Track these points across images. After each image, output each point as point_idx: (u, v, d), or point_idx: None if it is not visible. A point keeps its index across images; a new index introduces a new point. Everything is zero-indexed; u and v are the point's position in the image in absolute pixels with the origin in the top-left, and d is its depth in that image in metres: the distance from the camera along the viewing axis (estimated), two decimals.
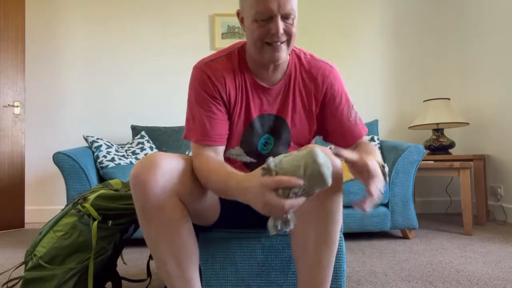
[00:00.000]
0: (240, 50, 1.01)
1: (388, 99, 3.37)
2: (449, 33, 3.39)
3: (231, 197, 0.79)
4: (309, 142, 1.08)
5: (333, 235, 0.88)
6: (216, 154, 0.95)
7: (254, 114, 1.00)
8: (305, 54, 1.05)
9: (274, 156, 1.02)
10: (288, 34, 0.90)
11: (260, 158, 1.04)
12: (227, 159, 1.04)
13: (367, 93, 3.36)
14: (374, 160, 0.82)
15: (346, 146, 1.04)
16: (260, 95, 1.00)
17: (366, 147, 1.00)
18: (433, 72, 3.38)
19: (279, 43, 0.90)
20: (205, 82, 0.96)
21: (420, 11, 3.40)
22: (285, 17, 0.87)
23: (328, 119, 1.04)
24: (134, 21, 3.29)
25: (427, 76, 3.38)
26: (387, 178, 0.88)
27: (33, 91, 3.21)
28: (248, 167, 1.04)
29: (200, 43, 3.32)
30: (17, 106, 2.95)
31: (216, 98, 0.96)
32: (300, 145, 1.06)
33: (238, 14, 0.96)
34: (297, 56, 1.04)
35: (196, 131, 0.95)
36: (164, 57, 3.29)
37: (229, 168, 0.85)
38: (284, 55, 0.92)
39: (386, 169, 0.86)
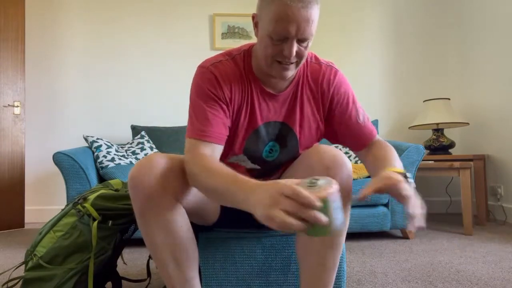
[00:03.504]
0: (246, 54, 0.97)
1: (388, 99, 3.37)
2: (449, 33, 3.39)
3: (230, 201, 0.74)
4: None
5: (338, 238, 0.87)
6: (213, 152, 0.88)
7: (260, 121, 0.97)
8: (310, 57, 1.02)
9: (279, 163, 1.02)
10: (299, 56, 0.87)
11: (265, 165, 1.02)
12: (230, 164, 1.01)
13: (367, 93, 3.36)
14: (396, 176, 0.77)
15: (358, 149, 1.03)
16: (267, 102, 0.97)
17: (380, 152, 0.96)
18: (433, 72, 3.38)
19: (289, 64, 0.88)
20: (211, 81, 0.92)
21: (420, 11, 3.40)
22: (301, 40, 0.85)
23: (337, 123, 1.02)
24: (133, 21, 3.29)
25: (427, 76, 3.38)
26: (413, 185, 0.82)
27: (33, 91, 3.21)
28: (251, 173, 1.02)
29: (200, 43, 3.31)
30: (17, 106, 2.95)
31: (220, 99, 0.92)
32: None
33: (253, 17, 0.91)
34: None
35: (196, 126, 0.89)
36: (163, 56, 3.29)
37: (234, 171, 0.79)
38: (291, 73, 0.90)
39: (409, 175, 0.82)
